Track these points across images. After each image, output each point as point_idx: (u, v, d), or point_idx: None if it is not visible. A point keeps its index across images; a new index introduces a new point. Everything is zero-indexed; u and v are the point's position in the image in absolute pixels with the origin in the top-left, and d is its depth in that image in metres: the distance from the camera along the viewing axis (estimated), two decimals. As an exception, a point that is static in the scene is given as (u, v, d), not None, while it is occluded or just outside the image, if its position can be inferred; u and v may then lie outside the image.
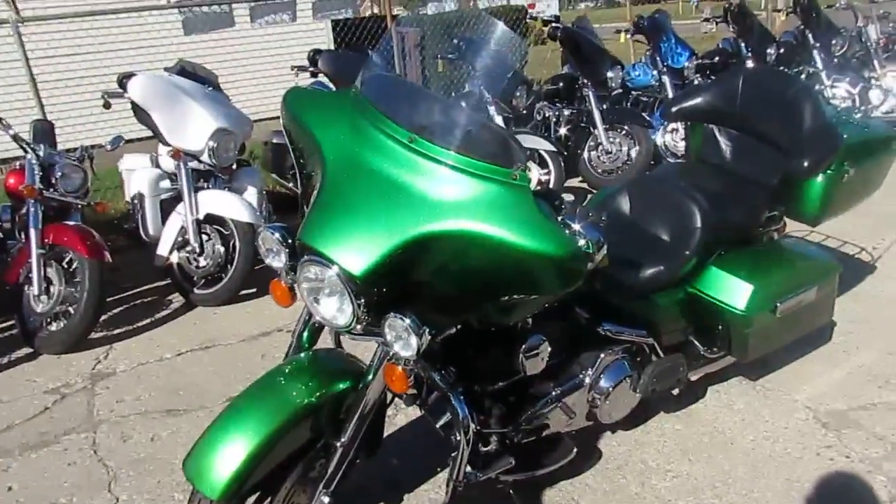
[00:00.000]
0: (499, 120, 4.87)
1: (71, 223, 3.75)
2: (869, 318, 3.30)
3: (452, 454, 1.92)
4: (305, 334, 2.07)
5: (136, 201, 4.25)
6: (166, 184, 4.25)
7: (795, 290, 2.40)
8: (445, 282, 1.70)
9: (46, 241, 3.62)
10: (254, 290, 4.15)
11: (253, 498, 2.02)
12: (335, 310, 1.71)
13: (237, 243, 3.99)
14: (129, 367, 3.46)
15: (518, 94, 4.78)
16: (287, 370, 1.95)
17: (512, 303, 1.81)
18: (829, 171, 2.39)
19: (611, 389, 2.24)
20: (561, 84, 5.86)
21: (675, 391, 2.71)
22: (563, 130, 5.76)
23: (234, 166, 4.32)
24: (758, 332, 2.37)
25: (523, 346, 2.04)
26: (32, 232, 3.60)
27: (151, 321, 3.97)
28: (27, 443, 2.87)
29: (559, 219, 1.70)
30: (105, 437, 2.87)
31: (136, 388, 3.25)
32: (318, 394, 1.88)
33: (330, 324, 1.76)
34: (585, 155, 5.55)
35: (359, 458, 2.22)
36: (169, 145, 4.02)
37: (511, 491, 2.23)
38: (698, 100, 2.61)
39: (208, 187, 4.14)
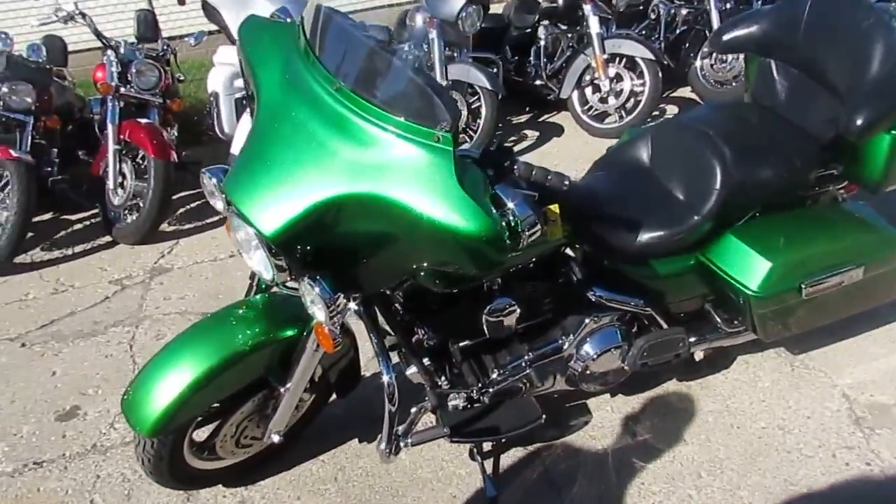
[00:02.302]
0: (594, 21, 4.43)
1: (143, 121, 3.90)
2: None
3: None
4: (262, 276, 2.03)
5: (212, 98, 4.34)
6: (240, 82, 4.27)
7: (832, 269, 2.00)
8: (362, 246, 1.60)
9: (123, 137, 3.81)
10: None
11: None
12: (262, 265, 1.65)
13: None
14: (185, 264, 3.65)
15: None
16: (239, 311, 1.95)
17: (441, 273, 1.66)
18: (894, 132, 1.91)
19: (594, 359, 2.05)
20: (679, -22, 5.19)
21: (698, 358, 2.47)
22: (676, 32, 5.15)
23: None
24: (778, 313, 2.03)
25: (488, 308, 1.90)
26: (109, 128, 3.81)
27: (219, 219, 4.11)
28: (81, 330, 3.14)
29: (493, 190, 1.51)
30: (143, 333, 3.08)
31: (184, 287, 3.43)
32: (263, 337, 1.86)
33: (260, 276, 1.71)
34: (697, 63, 4.93)
35: (328, 399, 2.24)
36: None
37: (475, 454, 2.16)
38: (753, 28, 2.13)
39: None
